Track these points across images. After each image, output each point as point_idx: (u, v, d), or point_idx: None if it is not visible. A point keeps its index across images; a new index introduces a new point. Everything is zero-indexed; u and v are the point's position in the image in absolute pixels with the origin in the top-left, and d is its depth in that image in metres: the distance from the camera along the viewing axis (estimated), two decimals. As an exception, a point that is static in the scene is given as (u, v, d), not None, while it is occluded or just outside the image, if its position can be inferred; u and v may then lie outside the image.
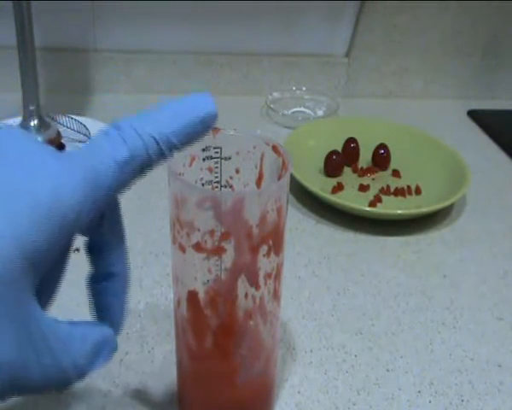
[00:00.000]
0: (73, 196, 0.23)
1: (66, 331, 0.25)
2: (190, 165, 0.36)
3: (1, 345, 0.22)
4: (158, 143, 0.25)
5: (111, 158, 0.24)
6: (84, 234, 0.28)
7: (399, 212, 0.62)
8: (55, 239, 0.23)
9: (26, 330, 0.22)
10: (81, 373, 0.25)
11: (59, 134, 0.68)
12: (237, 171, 0.37)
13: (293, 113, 0.89)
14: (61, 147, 0.68)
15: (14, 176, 0.22)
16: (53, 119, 0.74)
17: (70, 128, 0.74)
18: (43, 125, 0.67)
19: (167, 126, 0.25)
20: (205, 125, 0.26)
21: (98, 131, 0.25)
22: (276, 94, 0.90)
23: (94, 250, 0.29)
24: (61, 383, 0.24)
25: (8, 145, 0.23)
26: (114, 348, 0.28)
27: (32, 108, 0.66)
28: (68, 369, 0.24)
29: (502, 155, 0.81)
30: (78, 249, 0.56)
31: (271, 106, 0.86)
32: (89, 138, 0.73)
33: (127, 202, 0.68)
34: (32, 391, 0.23)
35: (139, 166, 0.25)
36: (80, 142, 0.72)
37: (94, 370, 0.26)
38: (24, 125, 0.66)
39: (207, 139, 0.36)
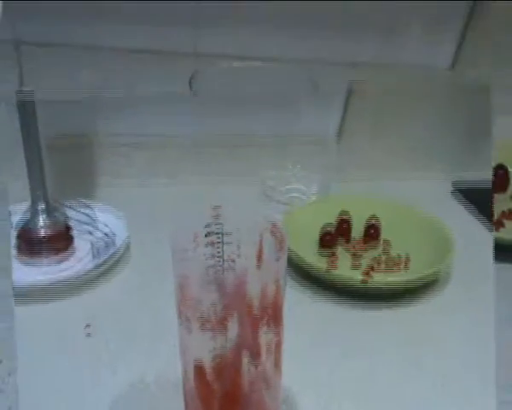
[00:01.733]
0: None
1: None
2: (194, 241, 0.39)
3: None
4: None
5: None
6: None
7: (389, 285, 0.65)
8: None
9: None
10: None
11: (66, 218, 0.71)
12: (238, 246, 0.40)
13: (288, 190, 0.92)
14: (68, 229, 0.71)
15: None
16: (60, 203, 0.77)
17: (78, 211, 0.77)
18: (50, 210, 0.69)
19: None
20: None
21: None
22: (271, 172, 0.93)
23: None
24: None
25: None
26: None
27: (38, 192, 0.69)
28: None
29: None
30: (89, 334, 0.56)
31: (268, 184, 0.90)
32: (95, 221, 0.76)
33: (136, 280, 0.69)
34: None
35: None
36: (88, 225, 0.75)
37: None
38: (31, 209, 0.69)
39: (209, 216, 0.40)
